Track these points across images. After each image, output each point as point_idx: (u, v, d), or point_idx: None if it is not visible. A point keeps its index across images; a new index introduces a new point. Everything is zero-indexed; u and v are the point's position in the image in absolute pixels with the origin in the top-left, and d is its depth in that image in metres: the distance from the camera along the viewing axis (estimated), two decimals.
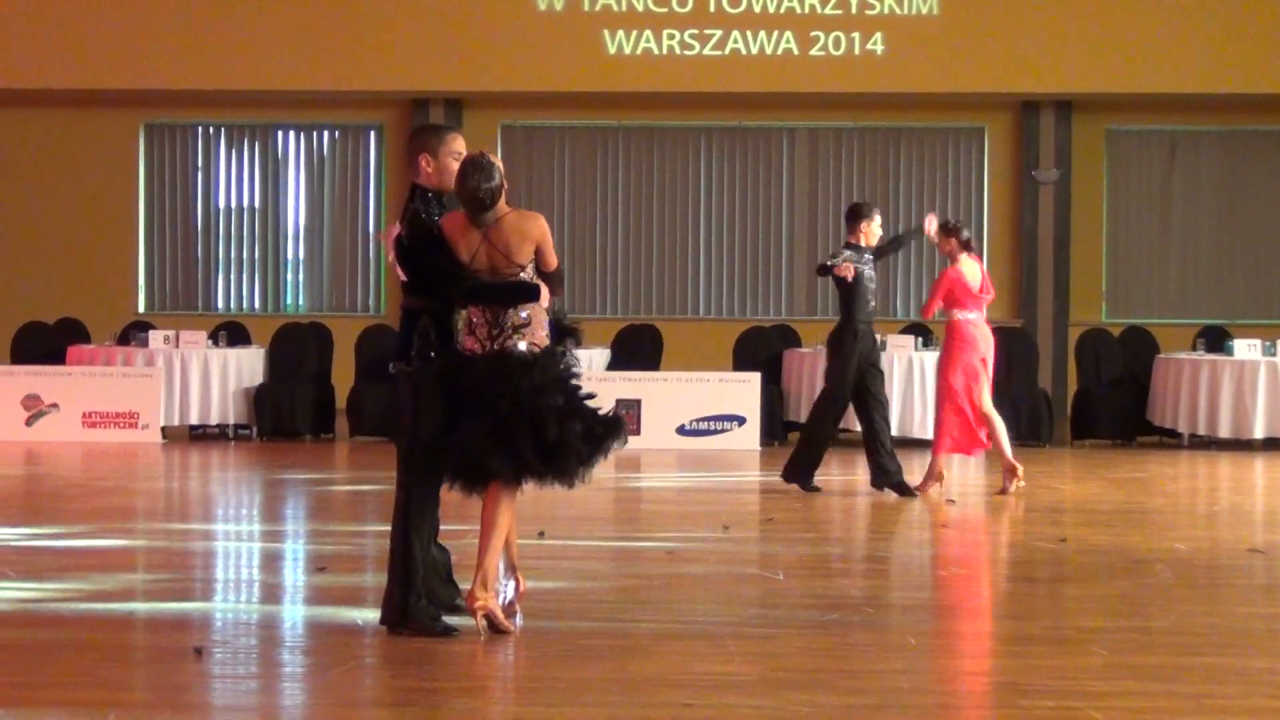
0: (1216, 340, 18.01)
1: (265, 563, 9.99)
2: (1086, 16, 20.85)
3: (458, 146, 7.65)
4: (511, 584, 7.74)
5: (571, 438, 7.39)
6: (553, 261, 7.56)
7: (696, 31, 21.11)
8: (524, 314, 7.47)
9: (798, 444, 13.49)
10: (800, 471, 13.09)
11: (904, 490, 12.82)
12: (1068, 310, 21.70)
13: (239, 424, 17.77)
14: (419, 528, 7.57)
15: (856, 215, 13.14)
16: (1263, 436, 16.97)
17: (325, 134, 22.44)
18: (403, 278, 7.68)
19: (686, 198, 22.21)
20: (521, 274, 7.48)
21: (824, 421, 13.20)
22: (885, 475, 12.89)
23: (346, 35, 21.10)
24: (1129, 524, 11.53)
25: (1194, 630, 7.81)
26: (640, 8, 21.14)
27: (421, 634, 7.45)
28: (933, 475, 12.96)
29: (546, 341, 7.52)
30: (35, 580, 8.87)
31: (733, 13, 21.10)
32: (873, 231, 13.04)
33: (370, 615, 7.86)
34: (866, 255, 12.97)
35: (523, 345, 7.45)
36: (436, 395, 7.50)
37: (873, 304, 13.01)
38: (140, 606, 8.33)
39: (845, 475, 14.07)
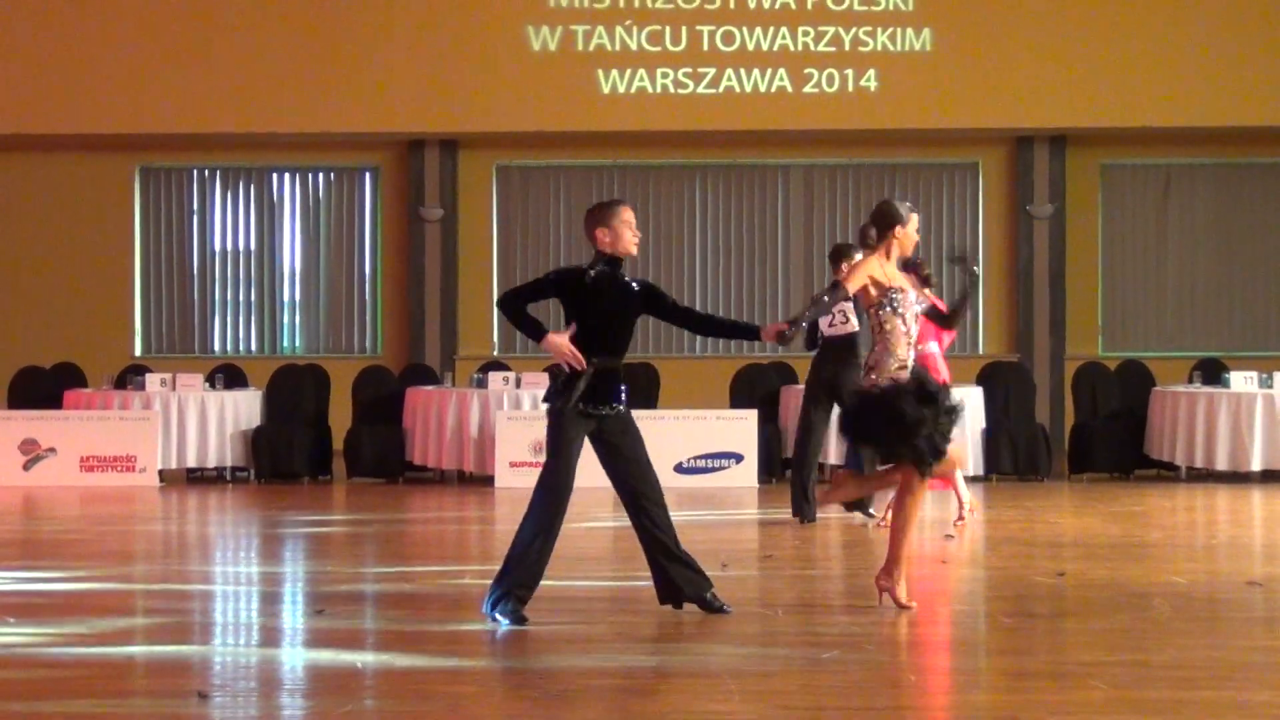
0: (1213, 373, 18.01)
1: (264, 605, 9.97)
2: (1080, 51, 20.92)
3: (629, 216, 8.87)
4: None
5: None
6: None
7: (690, 70, 21.18)
8: None
9: None
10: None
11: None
12: (1064, 344, 21.73)
13: (236, 466, 17.77)
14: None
15: (839, 256, 13.25)
16: (1260, 469, 16.97)
17: (321, 176, 22.49)
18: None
19: (682, 236, 22.25)
20: None
21: None
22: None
23: (341, 78, 21.15)
24: (1127, 557, 11.52)
25: (1194, 664, 7.80)
26: (634, 47, 21.21)
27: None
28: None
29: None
30: (34, 624, 8.86)
31: (726, 51, 21.17)
32: None
33: (369, 657, 7.87)
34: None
35: None
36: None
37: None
38: (139, 650, 8.31)
39: (843, 512, 14.04)
